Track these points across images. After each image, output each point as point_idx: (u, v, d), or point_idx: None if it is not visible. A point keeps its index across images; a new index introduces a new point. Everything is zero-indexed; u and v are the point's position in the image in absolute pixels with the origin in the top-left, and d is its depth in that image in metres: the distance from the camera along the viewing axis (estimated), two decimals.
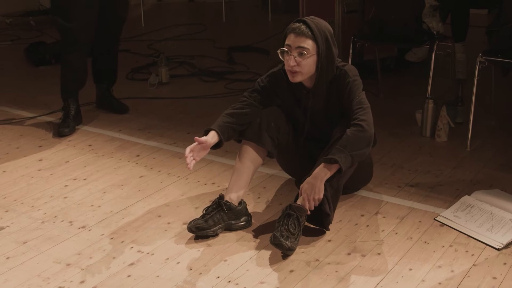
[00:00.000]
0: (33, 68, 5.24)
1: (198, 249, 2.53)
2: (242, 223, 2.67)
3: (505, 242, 2.50)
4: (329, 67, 2.64)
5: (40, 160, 3.43)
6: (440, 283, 2.28)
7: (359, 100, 2.61)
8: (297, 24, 2.60)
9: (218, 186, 3.07)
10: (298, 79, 2.64)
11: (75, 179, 3.18)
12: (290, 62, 2.59)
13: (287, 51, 2.61)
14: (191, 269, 2.39)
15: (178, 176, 3.19)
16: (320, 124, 2.79)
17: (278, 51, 2.64)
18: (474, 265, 2.39)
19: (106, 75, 4.13)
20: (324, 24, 2.63)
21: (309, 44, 2.57)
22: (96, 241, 2.60)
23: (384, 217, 2.76)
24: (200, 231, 2.57)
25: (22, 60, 5.43)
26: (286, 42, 2.61)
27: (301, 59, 2.58)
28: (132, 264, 2.44)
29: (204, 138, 2.60)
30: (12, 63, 5.44)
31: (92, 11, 3.72)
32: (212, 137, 2.62)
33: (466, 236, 2.59)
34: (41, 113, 4.12)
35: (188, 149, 2.57)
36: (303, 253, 2.49)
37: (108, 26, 3.89)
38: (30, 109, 4.21)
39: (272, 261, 2.44)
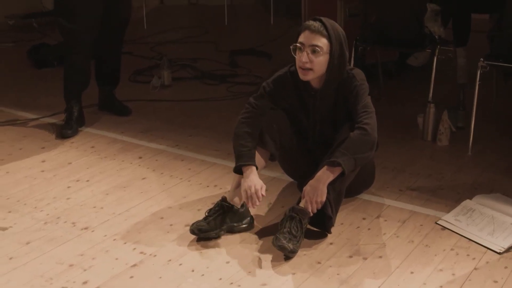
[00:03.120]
0: (36, 70, 5.24)
1: (200, 251, 2.54)
2: (244, 226, 2.68)
3: (506, 246, 2.51)
4: (340, 69, 2.65)
5: (43, 161, 3.44)
6: (441, 287, 2.29)
7: (364, 104, 2.62)
8: (313, 22, 2.60)
9: (221, 188, 3.08)
10: (309, 77, 2.63)
11: (78, 181, 3.19)
12: (302, 58, 2.58)
13: (300, 47, 2.61)
14: (193, 271, 2.40)
15: (181, 178, 3.20)
16: (326, 127, 2.79)
17: (291, 46, 2.63)
18: (475, 268, 2.40)
19: (109, 77, 4.13)
20: (339, 27, 2.64)
21: (323, 42, 2.58)
22: (98, 242, 2.61)
23: (385, 220, 2.77)
24: (203, 233, 2.58)
25: (24, 62, 5.43)
26: (300, 39, 2.61)
27: (313, 56, 2.58)
28: (134, 265, 2.45)
29: (260, 184, 2.59)
30: (15, 64, 5.45)
31: (95, 13, 3.72)
32: (255, 173, 2.63)
33: (467, 240, 2.60)
34: (44, 115, 4.13)
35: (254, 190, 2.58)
36: (305, 256, 2.49)
37: (112, 28, 3.89)
38: (33, 111, 4.21)
39: (274, 263, 2.44)
